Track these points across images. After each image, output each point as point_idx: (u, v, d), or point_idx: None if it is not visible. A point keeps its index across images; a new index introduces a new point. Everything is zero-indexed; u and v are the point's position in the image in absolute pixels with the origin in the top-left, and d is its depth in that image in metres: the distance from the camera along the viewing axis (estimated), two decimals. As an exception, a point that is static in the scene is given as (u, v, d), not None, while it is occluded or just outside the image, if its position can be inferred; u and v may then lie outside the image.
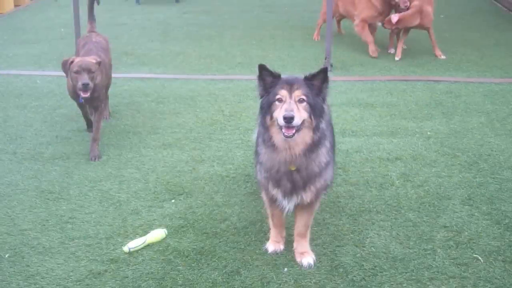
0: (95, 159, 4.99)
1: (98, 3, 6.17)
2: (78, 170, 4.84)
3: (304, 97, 3.15)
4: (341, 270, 3.55)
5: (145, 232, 3.92)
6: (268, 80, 3.26)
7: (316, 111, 3.19)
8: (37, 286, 3.43)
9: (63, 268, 3.59)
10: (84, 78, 4.80)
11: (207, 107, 6.19)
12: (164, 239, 3.86)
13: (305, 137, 3.20)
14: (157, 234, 3.88)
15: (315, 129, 3.20)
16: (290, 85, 3.17)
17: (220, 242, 3.84)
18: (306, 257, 3.62)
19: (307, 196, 3.44)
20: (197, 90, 6.73)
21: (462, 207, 4.20)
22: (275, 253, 3.72)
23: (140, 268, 3.59)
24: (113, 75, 7.20)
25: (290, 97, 3.14)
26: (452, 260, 3.62)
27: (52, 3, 11.84)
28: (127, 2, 11.96)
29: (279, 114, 3.12)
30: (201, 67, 7.63)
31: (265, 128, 3.26)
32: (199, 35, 9.33)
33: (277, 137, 3.21)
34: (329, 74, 3.28)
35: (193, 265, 3.61)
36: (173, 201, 4.35)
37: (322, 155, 3.32)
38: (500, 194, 4.37)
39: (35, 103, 6.30)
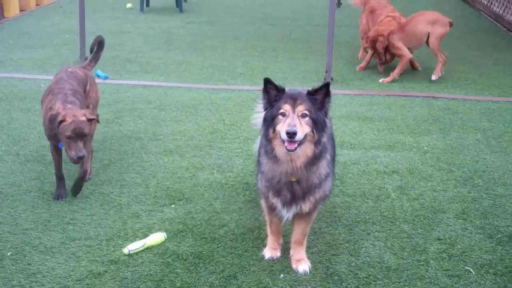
0: (74, 195, 4.49)
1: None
2: (80, 173, 4.92)
3: (307, 112, 3.22)
4: (336, 278, 3.63)
5: (145, 235, 4.00)
6: (273, 94, 3.33)
7: (318, 125, 3.26)
8: (38, 284, 3.51)
9: (64, 267, 3.66)
10: (79, 149, 4.15)
11: (208, 116, 6.28)
12: (163, 242, 3.94)
13: (307, 150, 3.28)
14: (157, 237, 3.95)
15: (317, 143, 3.28)
16: (294, 99, 3.24)
17: (218, 247, 3.92)
18: (302, 264, 3.70)
19: (306, 206, 3.52)
20: (199, 98, 6.82)
21: (456, 221, 4.29)
22: (272, 259, 3.79)
23: (139, 269, 3.66)
24: (117, 81, 7.35)
25: (293, 111, 3.21)
26: (444, 272, 3.70)
27: (57, 9, 11.95)
28: (131, 11, 12.07)
29: (282, 128, 3.19)
30: (203, 77, 7.73)
31: (267, 140, 3.33)
32: (202, 45, 9.44)
33: (279, 150, 3.28)
34: (331, 89, 3.37)
35: (191, 268, 3.68)
36: (173, 206, 4.43)
37: (322, 167, 3.40)
38: (493, 210, 4.46)
39: (39, 107, 6.31)
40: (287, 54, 8.95)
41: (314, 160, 3.31)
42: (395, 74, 7.68)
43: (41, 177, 4.82)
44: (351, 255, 3.86)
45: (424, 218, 4.32)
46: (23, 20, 10.84)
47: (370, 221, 4.28)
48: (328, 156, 3.42)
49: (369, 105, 6.74)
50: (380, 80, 7.71)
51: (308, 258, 3.77)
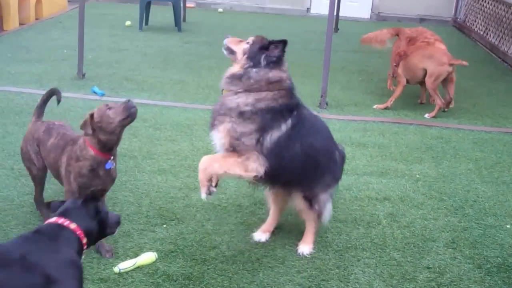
0: (111, 255, 4.03)
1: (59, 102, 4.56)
2: (73, 189, 4.92)
3: (250, 42, 4.15)
4: (325, 303, 3.65)
5: (136, 255, 4.00)
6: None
7: (251, 54, 4.07)
8: (27, 300, 3.50)
9: (54, 284, 3.66)
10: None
11: (203, 136, 6.30)
12: (154, 262, 3.95)
13: (234, 68, 4.07)
14: (148, 257, 3.96)
15: (242, 67, 4.00)
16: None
17: (208, 269, 3.93)
18: (303, 246, 4.19)
19: (217, 131, 4.07)
20: (194, 118, 6.86)
21: (445, 250, 4.32)
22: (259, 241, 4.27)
23: (129, 289, 3.67)
24: (113, 99, 7.38)
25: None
26: (433, 301, 3.72)
27: (56, 24, 12.02)
28: (130, 28, 12.15)
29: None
30: (199, 97, 7.78)
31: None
32: (199, 65, 9.50)
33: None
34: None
35: (181, 289, 3.69)
36: (164, 226, 4.44)
37: (233, 101, 3.93)
38: (483, 240, 4.49)
39: (35, 121, 6.38)
40: (283, 77, 8.98)
41: (235, 76, 3.99)
42: (389, 102, 7.73)
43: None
44: (341, 281, 3.88)
45: (414, 246, 4.35)
46: (22, 34, 10.89)
47: (361, 247, 4.30)
48: (243, 98, 3.92)
49: (363, 131, 6.80)
50: (374, 106, 7.77)
51: (298, 283, 3.78)
